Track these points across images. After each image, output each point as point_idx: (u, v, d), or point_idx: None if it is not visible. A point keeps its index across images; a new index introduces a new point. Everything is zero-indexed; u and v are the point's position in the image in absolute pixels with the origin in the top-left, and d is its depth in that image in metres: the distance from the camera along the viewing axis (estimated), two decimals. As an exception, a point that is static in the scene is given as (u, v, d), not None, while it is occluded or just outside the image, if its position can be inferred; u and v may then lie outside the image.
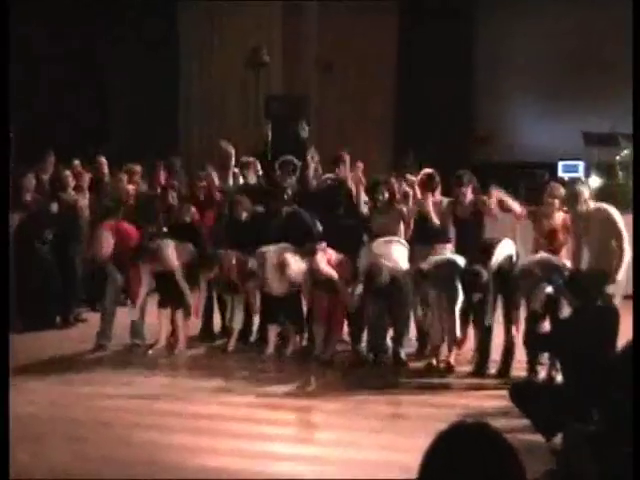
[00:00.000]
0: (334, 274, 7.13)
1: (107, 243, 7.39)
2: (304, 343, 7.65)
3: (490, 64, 13.79)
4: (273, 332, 7.57)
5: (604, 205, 6.65)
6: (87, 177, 9.44)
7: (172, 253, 7.49)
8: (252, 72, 13.30)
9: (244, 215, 7.74)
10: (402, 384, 6.62)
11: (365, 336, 7.34)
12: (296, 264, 7.22)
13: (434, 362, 7.02)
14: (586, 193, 6.60)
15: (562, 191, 7.00)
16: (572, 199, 6.63)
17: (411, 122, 13.66)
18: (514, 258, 6.91)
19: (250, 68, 13.23)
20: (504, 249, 6.88)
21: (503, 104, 13.86)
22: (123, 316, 7.80)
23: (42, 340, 7.82)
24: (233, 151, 8.65)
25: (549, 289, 6.31)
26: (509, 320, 6.82)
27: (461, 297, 6.77)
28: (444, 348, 6.99)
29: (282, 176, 8.09)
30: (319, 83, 14.08)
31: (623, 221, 6.46)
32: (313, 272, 7.14)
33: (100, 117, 13.38)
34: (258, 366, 7.15)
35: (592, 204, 6.60)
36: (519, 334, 6.65)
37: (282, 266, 7.20)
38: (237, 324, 7.71)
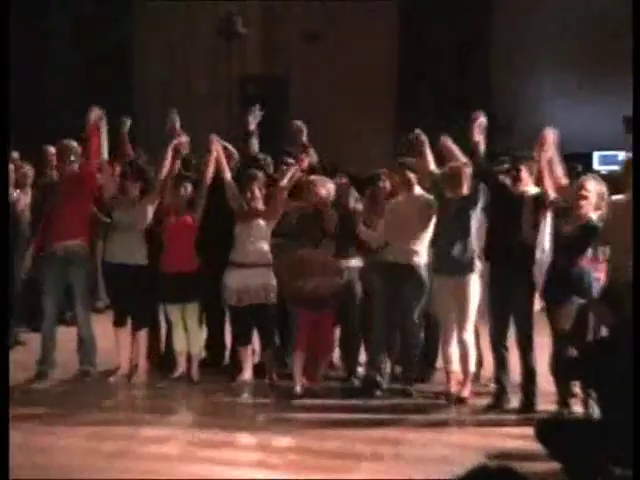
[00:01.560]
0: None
1: None
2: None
3: (511, 39, 13.72)
4: (245, 355, 7.51)
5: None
6: (30, 172, 9.30)
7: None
8: (224, 45, 13.13)
9: None
10: (403, 420, 6.55)
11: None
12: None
13: (447, 392, 6.97)
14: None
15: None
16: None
17: (416, 107, 13.60)
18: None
19: (222, 40, 13.06)
20: None
21: (527, 86, 13.79)
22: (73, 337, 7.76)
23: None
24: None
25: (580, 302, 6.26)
26: (524, 338, 6.73)
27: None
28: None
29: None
30: (304, 59, 13.97)
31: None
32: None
33: (39, 96, 13.16)
34: (227, 399, 7.10)
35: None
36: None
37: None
38: (196, 346, 7.65)
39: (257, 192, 7.42)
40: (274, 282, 7.34)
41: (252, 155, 8.07)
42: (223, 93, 13.27)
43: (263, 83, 12.67)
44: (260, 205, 7.44)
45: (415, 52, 13.83)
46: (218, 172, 7.55)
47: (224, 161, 7.58)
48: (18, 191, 9.01)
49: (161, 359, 8.00)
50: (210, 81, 13.60)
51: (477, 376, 7.28)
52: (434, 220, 7.04)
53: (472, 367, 7.02)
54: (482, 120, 7.00)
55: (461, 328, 6.89)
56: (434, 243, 7.07)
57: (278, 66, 13.76)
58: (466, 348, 6.92)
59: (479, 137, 6.92)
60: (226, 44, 13.00)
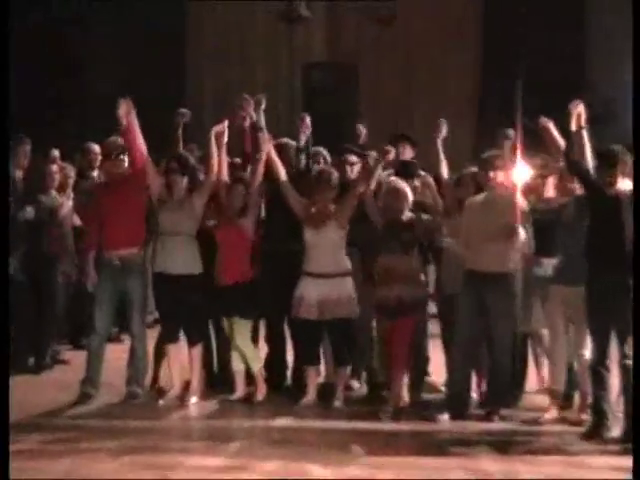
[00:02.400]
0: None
1: None
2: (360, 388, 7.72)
3: (607, 27, 13.34)
4: (313, 375, 7.45)
5: None
6: (72, 172, 9.31)
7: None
8: (285, 30, 13.03)
9: None
10: (485, 448, 6.40)
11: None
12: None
13: (546, 416, 6.90)
14: None
15: None
16: None
17: (501, 97, 13.38)
18: None
19: (283, 25, 12.97)
20: None
21: (623, 75, 13.44)
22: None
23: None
24: None
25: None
26: (628, 356, 6.48)
27: None
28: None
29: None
30: (374, 45, 13.77)
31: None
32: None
33: (81, 89, 13.21)
34: (291, 423, 6.98)
35: None
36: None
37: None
38: (256, 363, 7.54)
39: (328, 193, 7.31)
40: (355, 293, 7.28)
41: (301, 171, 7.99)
42: (285, 83, 13.20)
43: (329, 71, 12.50)
44: (332, 208, 7.31)
45: (500, 35, 13.55)
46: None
47: (277, 160, 7.47)
48: (61, 194, 9.00)
49: (215, 377, 7.96)
50: (270, 70, 13.54)
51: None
52: (525, 221, 6.92)
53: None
54: (580, 108, 6.76)
55: (581, 345, 6.81)
56: (550, 251, 6.94)
57: (345, 53, 13.62)
58: (584, 367, 6.83)
59: (577, 127, 6.71)
60: (288, 29, 12.92)
